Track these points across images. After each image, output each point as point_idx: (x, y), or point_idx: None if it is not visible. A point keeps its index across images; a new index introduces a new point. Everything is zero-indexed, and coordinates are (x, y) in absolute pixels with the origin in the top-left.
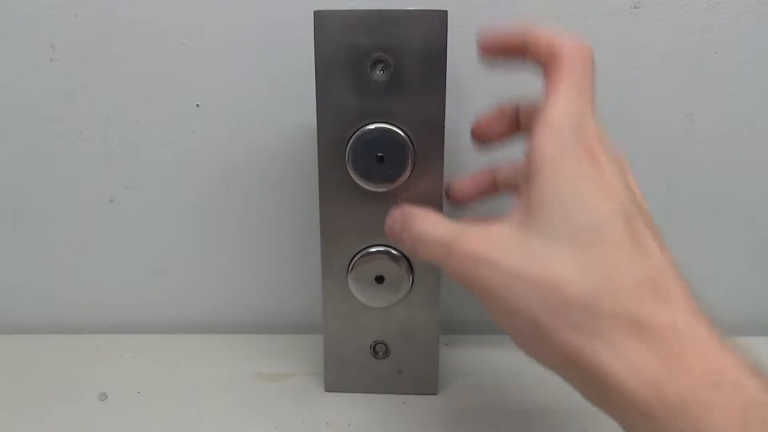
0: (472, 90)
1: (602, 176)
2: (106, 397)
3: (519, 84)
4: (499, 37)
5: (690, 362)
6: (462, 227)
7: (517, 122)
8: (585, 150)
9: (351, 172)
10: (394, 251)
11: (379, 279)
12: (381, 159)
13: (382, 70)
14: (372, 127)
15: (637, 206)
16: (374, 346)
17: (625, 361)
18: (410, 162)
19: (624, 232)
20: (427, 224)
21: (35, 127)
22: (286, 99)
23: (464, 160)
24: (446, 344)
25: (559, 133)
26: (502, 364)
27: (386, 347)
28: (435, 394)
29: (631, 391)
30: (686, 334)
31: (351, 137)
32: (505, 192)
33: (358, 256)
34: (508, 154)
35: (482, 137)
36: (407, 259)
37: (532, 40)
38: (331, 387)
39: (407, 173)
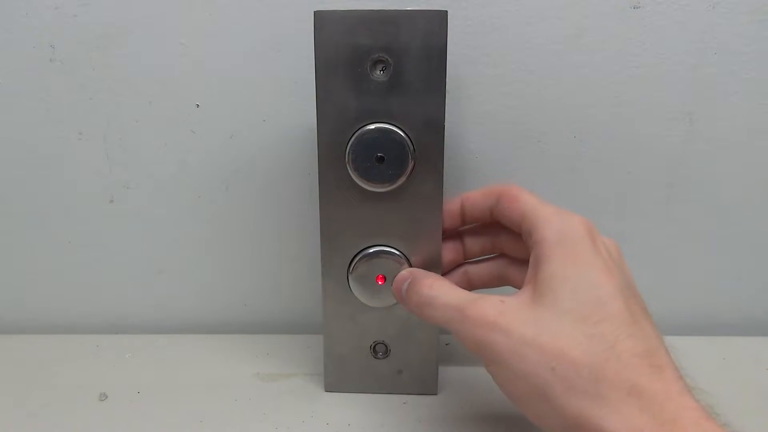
0: (472, 90)
1: (602, 260)
2: (106, 397)
3: (518, 83)
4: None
5: (684, 426)
6: (473, 295)
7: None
8: (585, 235)
9: (351, 172)
10: (394, 251)
11: (379, 278)
12: (381, 159)
13: (382, 70)
14: (372, 127)
15: (631, 288)
16: (374, 346)
17: (627, 423)
18: (410, 162)
19: (623, 309)
20: (437, 288)
21: (35, 127)
22: (286, 99)
23: (464, 160)
24: (446, 344)
25: (559, 223)
26: None
27: (386, 347)
28: (435, 394)
29: None
30: (679, 402)
31: (351, 137)
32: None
33: (358, 256)
34: None
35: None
36: (407, 260)
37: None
38: (331, 387)
39: (407, 173)
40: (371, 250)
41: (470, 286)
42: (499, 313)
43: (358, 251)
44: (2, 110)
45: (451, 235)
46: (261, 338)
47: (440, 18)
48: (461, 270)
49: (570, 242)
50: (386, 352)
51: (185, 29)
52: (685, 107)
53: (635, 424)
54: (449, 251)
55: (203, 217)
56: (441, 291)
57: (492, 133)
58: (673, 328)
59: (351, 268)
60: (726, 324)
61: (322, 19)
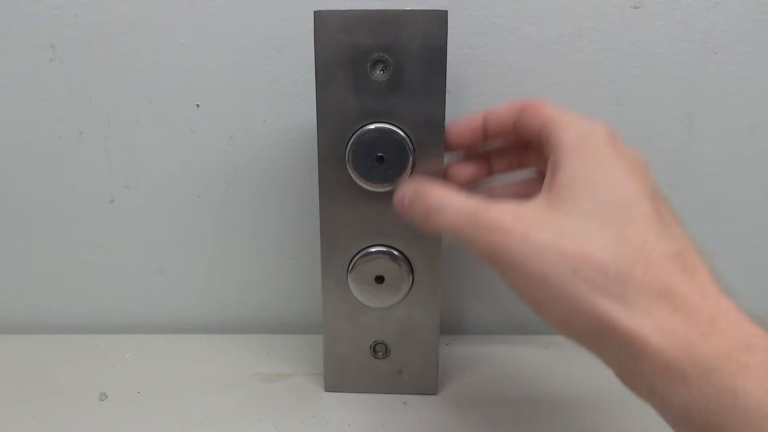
0: (472, 90)
1: (626, 162)
2: (106, 397)
3: (518, 83)
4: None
5: (723, 327)
6: (484, 200)
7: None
8: (608, 139)
9: (351, 172)
10: (394, 251)
11: (379, 279)
12: (381, 159)
13: (382, 70)
14: (372, 127)
15: (658, 192)
16: (374, 346)
17: (658, 325)
18: (410, 162)
19: (651, 211)
20: (447, 194)
21: (35, 127)
22: (286, 99)
23: None
24: (446, 344)
25: (580, 126)
26: (501, 364)
27: (386, 347)
28: (435, 394)
29: (663, 354)
30: (716, 303)
31: (351, 137)
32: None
33: (358, 256)
34: None
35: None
36: (407, 259)
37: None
38: (331, 387)
39: (407, 173)
40: (371, 250)
41: (486, 137)
42: (514, 217)
43: (358, 251)
44: (2, 110)
45: (477, 155)
46: (261, 338)
47: (440, 18)
48: (485, 189)
49: (592, 145)
50: (386, 352)
51: (185, 29)
52: (685, 107)
53: (667, 327)
54: (473, 168)
55: (203, 217)
56: (451, 198)
57: None
58: None
59: (350, 268)
60: None
61: (322, 19)
